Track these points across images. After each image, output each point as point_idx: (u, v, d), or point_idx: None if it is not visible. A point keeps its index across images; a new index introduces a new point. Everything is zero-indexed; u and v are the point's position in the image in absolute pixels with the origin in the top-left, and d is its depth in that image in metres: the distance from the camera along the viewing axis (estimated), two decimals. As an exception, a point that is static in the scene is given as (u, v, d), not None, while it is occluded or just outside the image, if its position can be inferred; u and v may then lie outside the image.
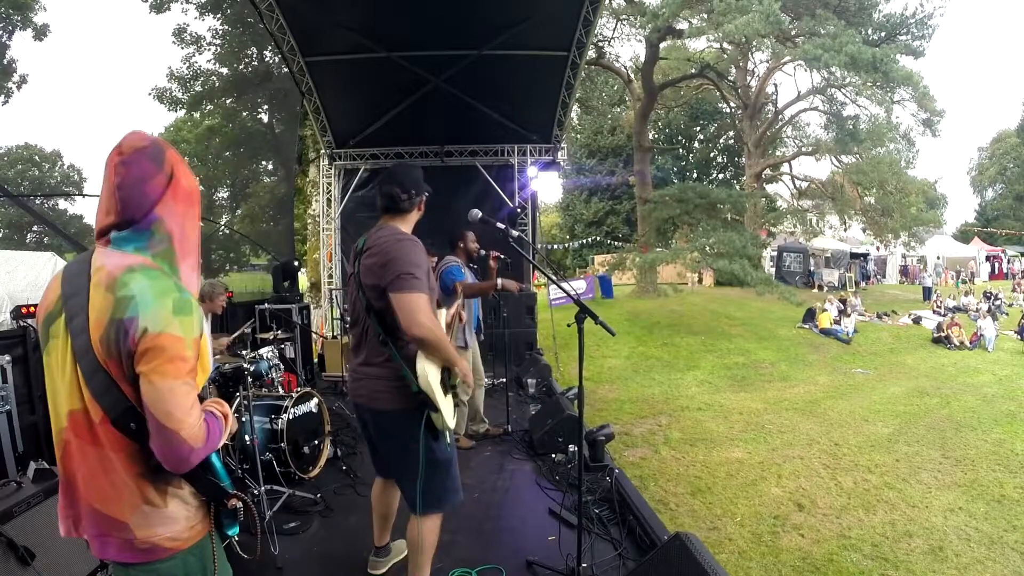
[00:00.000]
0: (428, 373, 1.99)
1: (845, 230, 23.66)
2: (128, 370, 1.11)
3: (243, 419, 3.45)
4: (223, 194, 24.90)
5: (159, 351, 1.09)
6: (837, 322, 13.74)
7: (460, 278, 3.84)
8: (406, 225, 2.21)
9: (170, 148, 1.25)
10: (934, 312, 15.47)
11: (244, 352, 3.84)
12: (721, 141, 30.54)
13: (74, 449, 1.17)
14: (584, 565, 2.52)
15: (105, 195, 1.18)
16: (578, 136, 29.40)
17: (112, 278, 1.13)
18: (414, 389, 2.01)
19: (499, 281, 4.02)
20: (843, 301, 14.97)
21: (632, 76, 20.87)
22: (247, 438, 3.35)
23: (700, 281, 22.81)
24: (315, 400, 4.03)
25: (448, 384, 2.16)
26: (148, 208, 1.18)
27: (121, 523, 1.16)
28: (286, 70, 7.60)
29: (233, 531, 1.31)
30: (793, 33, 17.09)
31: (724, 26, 13.63)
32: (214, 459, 1.25)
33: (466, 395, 4.33)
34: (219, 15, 19.33)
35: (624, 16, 19.17)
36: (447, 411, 2.13)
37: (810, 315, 14.30)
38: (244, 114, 22.17)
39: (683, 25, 17.78)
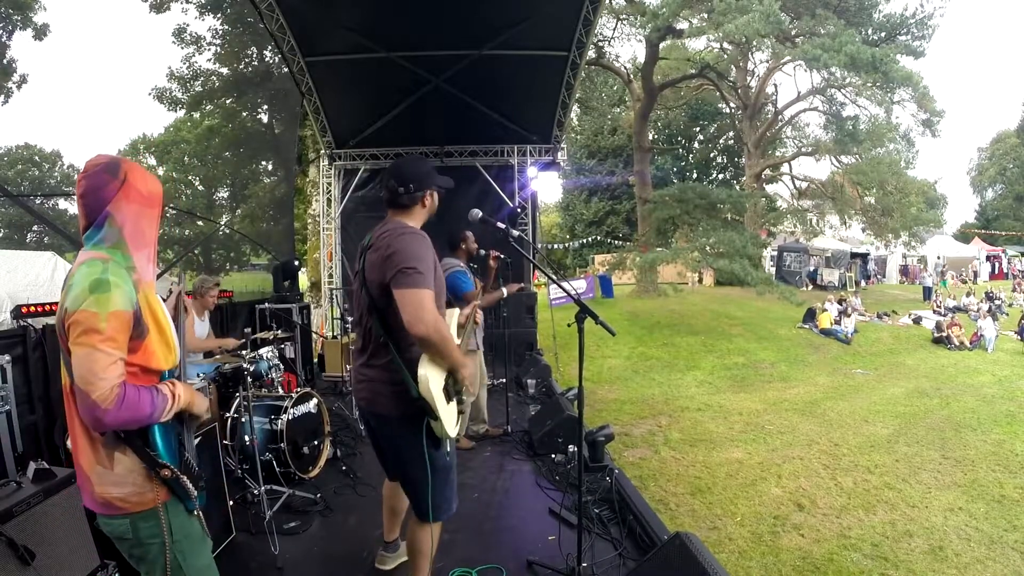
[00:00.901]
0: (429, 379, 1.90)
1: (845, 230, 23.67)
2: (66, 344, 1.33)
3: (243, 419, 3.46)
4: (223, 194, 24.93)
5: (76, 325, 1.29)
6: (837, 322, 13.74)
7: (469, 287, 3.80)
8: (412, 220, 2.12)
9: (127, 161, 1.48)
10: (934, 312, 15.48)
11: (244, 352, 3.84)
12: (721, 141, 30.51)
13: (71, 417, 1.41)
14: (584, 565, 2.52)
15: (77, 208, 1.45)
16: (578, 136, 29.39)
17: (70, 272, 1.39)
18: (413, 395, 1.93)
19: (503, 291, 4.05)
20: (843, 301, 14.97)
21: (632, 76, 20.86)
22: (247, 438, 3.35)
23: (700, 281, 22.80)
24: (315, 400, 4.03)
25: (452, 390, 2.07)
26: (101, 208, 1.41)
27: (86, 476, 1.40)
28: (286, 70, 7.60)
29: (190, 505, 1.48)
30: (793, 33, 17.09)
31: (724, 26, 13.62)
32: (155, 432, 1.41)
33: (470, 398, 4.32)
34: (219, 15, 19.32)
35: (624, 16, 19.17)
36: (448, 419, 2.04)
37: (810, 315, 14.30)
38: (244, 114, 22.17)
39: (683, 25, 17.78)
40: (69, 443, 2.27)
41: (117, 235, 1.41)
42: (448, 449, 2.13)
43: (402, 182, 2.09)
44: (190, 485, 1.45)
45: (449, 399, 2.06)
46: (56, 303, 1.51)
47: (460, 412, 2.19)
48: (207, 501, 1.59)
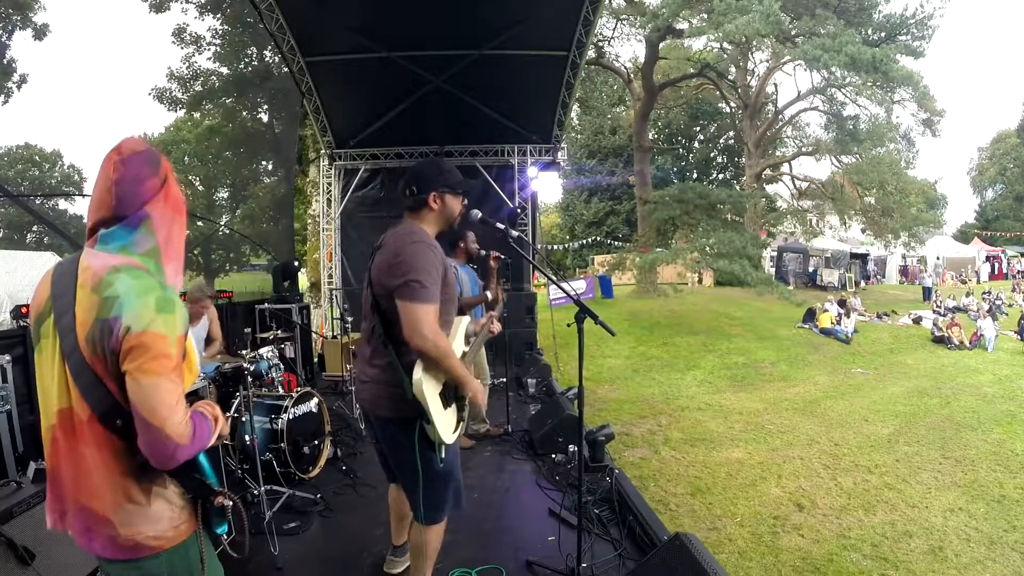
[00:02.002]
0: (423, 381, 1.89)
1: (845, 230, 23.67)
2: (113, 368, 1.14)
3: (243, 419, 3.45)
4: (223, 194, 24.91)
5: (143, 349, 1.12)
6: (837, 322, 13.74)
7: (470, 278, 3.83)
8: (425, 224, 2.07)
9: (165, 159, 1.31)
10: (934, 312, 15.47)
11: (244, 352, 3.84)
12: (721, 141, 30.53)
13: (62, 446, 1.20)
14: (584, 565, 2.52)
15: (99, 191, 1.22)
16: (578, 136, 29.40)
17: (98, 278, 1.16)
18: (408, 396, 1.92)
19: (487, 295, 4.02)
20: (844, 303, 14.97)
21: (632, 76, 20.86)
22: (247, 438, 3.35)
23: (700, 281, 22.81)
24: (315, 400, 4.03)
25: (452, 397, 2.05)
26: (139, 206, 1.22)
27: (105, 519, 1.19)
28: (286, 70, 7.60)
29: (222, 530, 1.33)
30: (793, 33, 17.08)
31: (724, 26, 13.63)
32: (201, 458, 1.27)
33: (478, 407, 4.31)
34: (219, 15, 19.32)
35: (624, 16, 19.18)
36: (444, 425, 2.00)
37: (810, 315, 14.30)
38: (244, 114, 22.17)
39: (683, 25, 17.80)
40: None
41: (154, 242, 1.24)
42: (443, 456, 2.08)
43: (407, 183, 2.07)
44: (229, 510, 1.33)
45: (447, 404, 2.03)
46: None
47: (460, 419, 2.15)
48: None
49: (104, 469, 1.18)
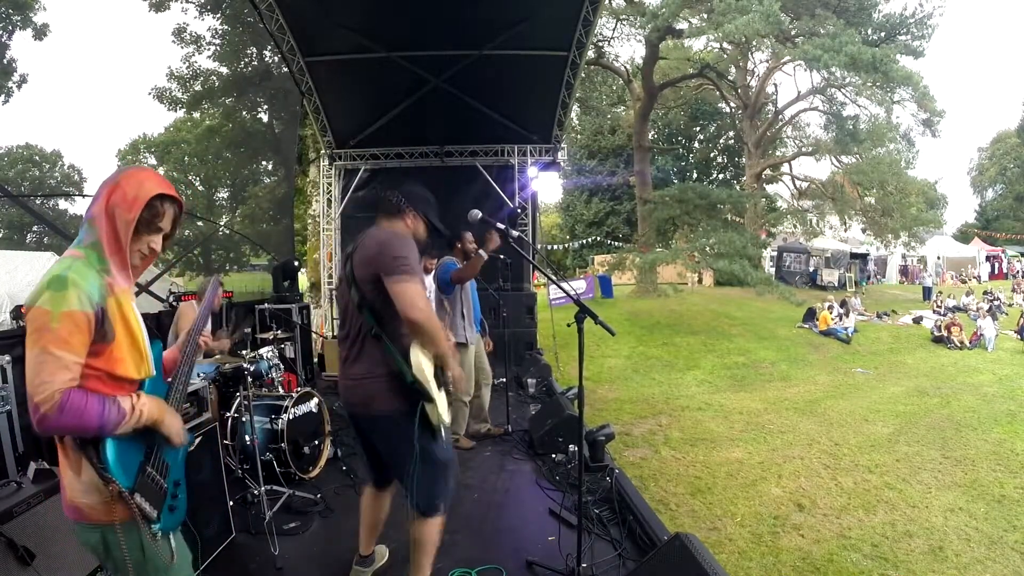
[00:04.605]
0: (423, 362, 2.00)
1: (845, 230, 23.67)
2: None
3: (243, 419, 3.45)
4: (223, 194, 24.93)
5: (29, 322, 1.26)
6: (837, 322, 13.74)
7: (454, 266, 3.90)
8: (400, 228, 2.25)
9: (135, 168, 1.46)
10: (934, 312, 15.47)
11: (244, 352, 3.84)
12: (721, 141, 30.52)
13: None
14: (584, 565, 2.52)
15: None
16: (578, 136, 29.39)
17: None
18: (408, 380, 2.00)
19: (481, 252, 3.85)
20: (844, 303, 14.97)
21: (632, 76, 20.87)
22: (247, 438, 3.35)
23: (700, 281, 22.81)
24: (315, 400, 4.03)
25: (441, 379, 2.16)
26: (89, 208, 1.39)
27: (62, 482, 1.37)
28: (286, 70, 7.60)
29: (160, 526, 1.38)
30: (793, 33, 17.08)
31: (724, 26, 13.63)
32: (107, 444, 1.32)
33: (467, 396, 4.32)
34: (219, 15, 19.32)
35: (624, 16, 19.17)
36: (441, 405, 2.12)
37: (810, 315, 14.30)
38: (244, 114, 22.17)
39: (683, 25, 17.78)
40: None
41: (95, 236, 1.36)
42: (443, 443, 2.17)
43: (395, 192, 2.27)
44: (147, 506, 1.34)
45: (439, 386, 2.13)
46: None
47: (451, 403, 2.28)
48: (196, 512, 1.50)
49: (58, 436, 1.34)
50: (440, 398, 2.11)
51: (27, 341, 1.25)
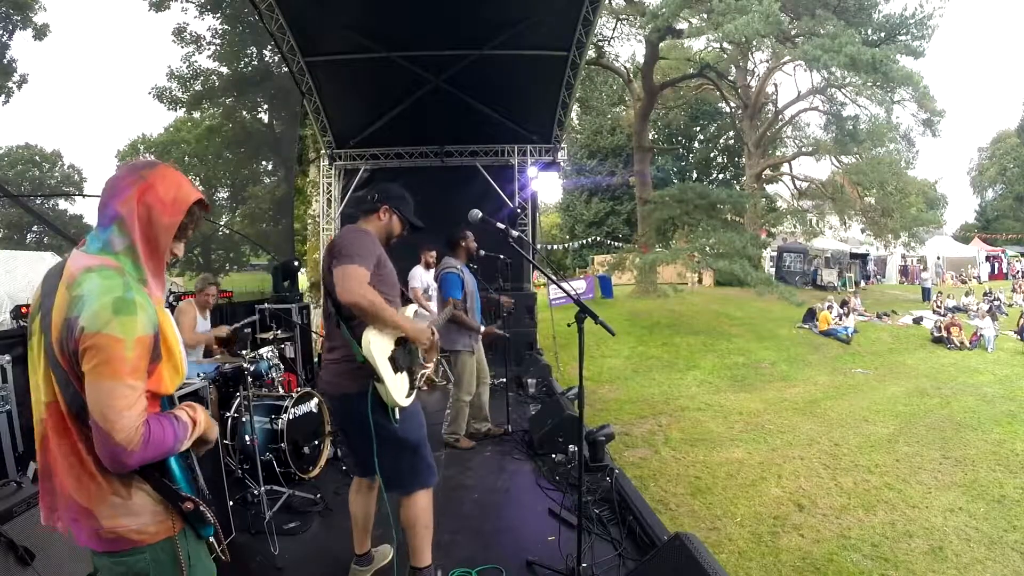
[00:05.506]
0: (371, 342, 2.03)
1: (845, 230, 23.67)
2: (77, 367, 1.15)
3: (243, 419, 3.45)
4: (223, 194, 24.92)
5: (96, 351, 1.12)
6: (837, 322, 13.73)
7: (455, 295, 3.93)
8: (371, 228, 2.34)
9: (162, 165, 1.32)
10: (934, 312, 15.47)
11: (244, 352, 3.83)
12: (721, 141, 30.54)
13: (51, 439, 1.22)
14: (584, 565, 2.52)
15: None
16: (578, 136, 29.39)
17: (72, 278, 1.18)
18: (359, 360, 2.05)
19: (482, 328, 4.14)
20: (844, 304, 14.97)
21: (632, 76, 20.87)
22: (247, 438, 3.35)
23: (700, 281, 22.80)
24: (315, 400, 4.03)
25: (403, 363, 2.19)
26: (113, 206, 1.24)
27: (89, 511, 1.20)
28: (286, 70, 7.60)
29: (207, 532, 1.33)
30: (793, 33, 17.09)
31: (724, 26, 13.63)
32: (172, 462, 1.26)
33: (467, 396, 4.32)
34: (219, 14, 19.33)
35: (624, 16, 19.18)
36: (396, 387, 2.13)
37: (810, 315, 14.29)
38: (244, 114, 22.20)
39: (683, 25, 17.79)
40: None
41: (128, 241, 1.23)
42: (396, 419, 2.19)
43: (373, 191, 2.41)
44: (208, 514, 1.30)
45: (398, 369, 2.16)
46: None
47: (413, 386, 2.28)
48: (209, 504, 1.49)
49: (87, 462, 1.19)
50: (395, 381, 2.14)
51: (91, 372, 1.12)
